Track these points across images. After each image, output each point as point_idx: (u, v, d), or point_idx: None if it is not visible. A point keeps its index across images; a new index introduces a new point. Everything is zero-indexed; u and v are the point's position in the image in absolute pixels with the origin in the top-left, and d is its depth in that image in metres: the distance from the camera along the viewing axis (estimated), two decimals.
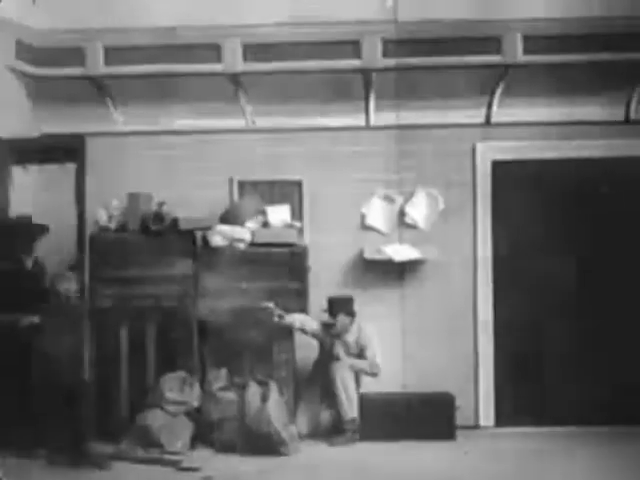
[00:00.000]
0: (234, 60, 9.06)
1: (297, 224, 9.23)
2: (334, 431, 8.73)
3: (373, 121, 9.41)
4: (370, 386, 8.89)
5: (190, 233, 8.92)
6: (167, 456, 8.18)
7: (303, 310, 8.88)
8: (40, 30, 8.99)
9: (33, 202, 8.92)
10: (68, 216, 8.72)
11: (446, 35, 8.99)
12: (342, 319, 8.82)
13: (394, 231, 9.39)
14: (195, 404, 8.56)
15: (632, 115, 9.30)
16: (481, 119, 9.40)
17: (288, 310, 8.80)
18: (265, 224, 9.13)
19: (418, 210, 9.32)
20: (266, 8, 8.95)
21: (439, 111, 9.33)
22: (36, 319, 8.17)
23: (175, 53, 9.05)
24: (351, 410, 8.66)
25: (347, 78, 9.18)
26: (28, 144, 8.99)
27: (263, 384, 8.55)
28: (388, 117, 9.32)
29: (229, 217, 9.10)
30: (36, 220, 8.74)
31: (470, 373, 9.31)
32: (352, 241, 9.35)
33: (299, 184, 9.41)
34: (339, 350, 8.80)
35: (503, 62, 9.02)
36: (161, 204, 8.98)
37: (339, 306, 8.85)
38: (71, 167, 8.55)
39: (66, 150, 8.63)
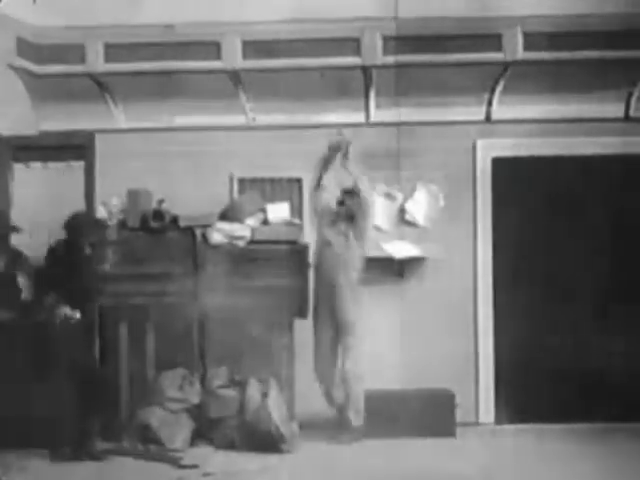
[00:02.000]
0: (234, 57, 9.07)
1: (297, 221, 9.24)
2: (336, 428, 8.73)
3: (373, 118, 9.42)
4: (370, 383, 8.88)
5: (190, 230, 8.92)
6: (167, 453, 8.20)
7: (303, 310, 8.90)
8: (40, 27, 9.00)
9: (36, 200, 8.94)
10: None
11: (446, 32, 9.00)
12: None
13: (394, 228, 9.39)
14: (195, 401, 8.57)
15: (632, 112, 9.30)
16: (481, 116, 9.41)
17: (287, 308, 8.85)
18: (265, 221, 9.12)
19: (418, 207, 9.32)
20: (266, 5, 8.95)
21: (439, 108, 9.33)
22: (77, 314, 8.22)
23: (175, 50, 9.05)
24: (357, 418, 8.66)
25: (347, 75, 9.18)
26: (32, 141, 9.00)
27: (263, 381, 8.56)
28: (388, 114, 9.32)
29: (229, 214, 9.10)
30: (39, 217, 8.78)
31: (470, 370, 9.32)
32: None
33: (299, 181, 9.41)
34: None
35: (503, 59, 9.03)
36: (161, 201, 8.98)
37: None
38: (76, 165, 8.57)
39: (73, 148, 8.65)
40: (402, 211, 9.36)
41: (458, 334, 9.24)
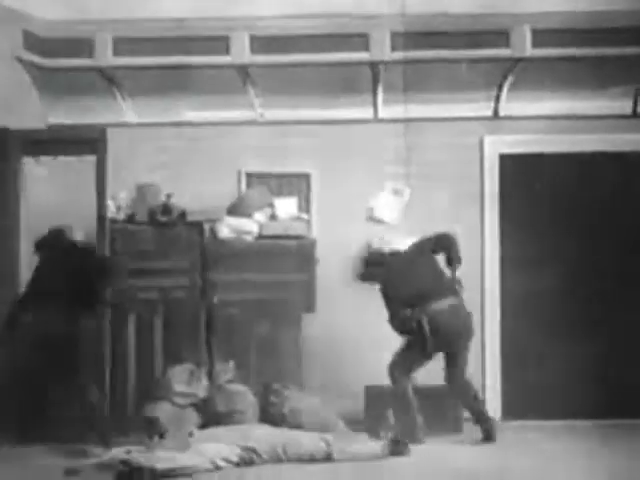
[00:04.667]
0: (242, 52, 9.05)
1: (305, 216, 9.25)
2: None
3: (381, 114, 9.42)
4: (376, 379, 8.89)
5: (198, 225, 8.94)
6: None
7: (311, 304, 8.93)
8: (48, 21, 8.97)
9: (46, 193, 8.93)
10: (83, 208, 8.73)
11: (454, 28, 8.97)
12: None
13: (402, 224, 9.39)
14: (202, 396, 8.56)
15: None
16: (489, 112, 9.41)
17: (295, 303, 8.87)
18: (273, 216, 9.14)
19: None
20: (274, 0, 8.94)
21: (447, 104, 9.34)
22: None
23: (184, 45, 9.03)
24: None
25: (355, 71, 9.18)
26: (43, 135, 9.01)
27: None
28: (396, 110, 9.32)
29: (237, 209, 9.11)
30: (50, 211, 8.79)
31: (476, 366, 9.28)
32: (360, 234, 9.35)
33: (307, 176, 9.42)
34: None
35: (511, 56, 9.01)
36: (169, 196, 8.98)
37: None
38: (87, 159, 8.59)
39: (85, 142, 8.66)
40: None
41: None
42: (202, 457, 7.40)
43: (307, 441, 7.77)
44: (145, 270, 8.84)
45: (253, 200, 9.16)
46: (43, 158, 8.83)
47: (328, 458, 7.66)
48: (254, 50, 9.06)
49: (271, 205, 9.17)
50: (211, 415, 8.48)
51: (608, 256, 9.37)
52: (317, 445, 7.72)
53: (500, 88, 9.27)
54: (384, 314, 8.98)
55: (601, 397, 9.17)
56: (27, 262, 8.59)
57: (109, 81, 9.26)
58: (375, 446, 7.90)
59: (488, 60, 9.09)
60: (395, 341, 8.93)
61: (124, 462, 7.26)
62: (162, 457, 7.31)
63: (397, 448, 7.84)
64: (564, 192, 9.38)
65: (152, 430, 8.28)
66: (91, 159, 8.60)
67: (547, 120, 9.32)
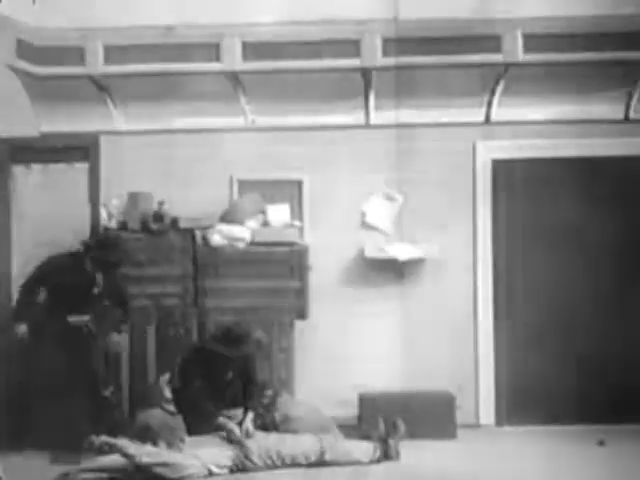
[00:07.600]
0: (233, 59, 9.05)
1: (297, 223, 9.25)
2: None
3: (373, 120, 9.41)
4: (369, 385, 8.89)
5: (190, 232, 8.95)
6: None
7: (303, 311, 8.93)
8: (40, 29, 8.97)
9: (38, 201, 8.94)
10: (75, 215, 8.75)
11: (446, 34, 8.97)
12: None
13: (394, 230, 9.39)
14: None
15: (632, 114, 9.29)
16: (481, 118, 9.40)
17: (287, 309, 8.87)
18: (265, 223, 9.15)
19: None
20: (266, 7, 8.94)
21: (439, 110, 9.33)
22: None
23: (175, 52, 9.04)
24: None
25: (347, 77, 9.17)
26: (34, 143, 9.02)
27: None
28: (388, 116, 9.31)
29: (229, 216, 9.11)
30: (39, 219, 8.80)
31: (470, 371, 9.32)
32: (352, 240, 9.34)
33: (299, 183, 9.41)
34: None
35: (503, 61, 9.01)
36: (161, 203, 8.99)
37: None
38: (79, 166, 8.61)
39: (77, 149, 8.69)
40: None
41: (458, 335, 9.25)
42: (195, 461, 7.40)
43: (300, 441, 7.77)
44: (137, 277, 8.84)
45: (245, 207, 9.16)
46: (35, 166, 8.84)
47: (321, 457, 7.66)
48: (245, 57, 9.06)
49: (263, 212, 9.18)
50: None
51: (601, 260, 9.35)
52: (311, 443, 7.72)
53: (492, 93, 9.26)
54: (377, 320, 9.06)
55: (598, 401, 9.18)
56: (18, 269, 8.63)
57: (100, 88, 9.25)
58: (367, 446, 7.89)
59: (480, 65, 9.08)
60: (387, 347, 8.97)
61: (110, 445, 7.29)
62: (150, 451, 7.34)
63: (388, 452, 7.84)
64: (556, 197, 9.37)
65: (144, 437, 8.29)
66: (83, 167, 8.61)
67: (539, 125, 9.32)
